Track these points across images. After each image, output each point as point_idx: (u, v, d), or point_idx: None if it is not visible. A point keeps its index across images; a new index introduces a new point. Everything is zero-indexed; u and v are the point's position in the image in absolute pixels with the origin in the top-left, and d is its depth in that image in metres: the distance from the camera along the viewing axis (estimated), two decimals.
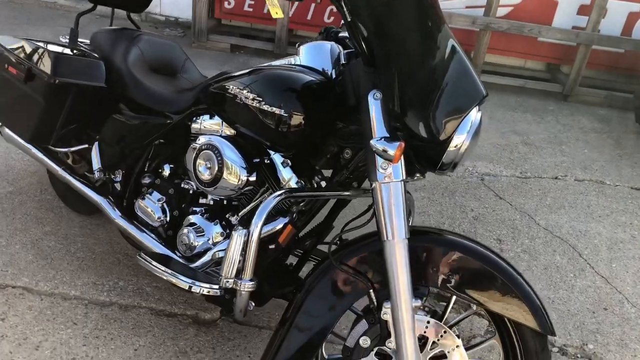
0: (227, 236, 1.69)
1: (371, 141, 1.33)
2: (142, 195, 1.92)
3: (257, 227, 1.35)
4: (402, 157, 1.34)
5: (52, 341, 1.80)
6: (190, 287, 1.48)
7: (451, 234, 1.47)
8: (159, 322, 1.94)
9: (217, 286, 1.42)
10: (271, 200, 1.38)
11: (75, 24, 2.09)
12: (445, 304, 1.51)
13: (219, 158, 1.64)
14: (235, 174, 1.62)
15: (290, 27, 4.91)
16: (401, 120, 1.30)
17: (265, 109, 1.52)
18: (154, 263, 1.59)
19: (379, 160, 1.33)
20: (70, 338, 1.82)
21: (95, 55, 2.05)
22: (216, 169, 1.64)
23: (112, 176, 2.00)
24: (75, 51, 2.05)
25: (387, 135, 1.33)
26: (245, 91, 1.57)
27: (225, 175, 1.63)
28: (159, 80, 2.01)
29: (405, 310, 1.33)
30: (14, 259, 2.13)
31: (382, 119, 1.33)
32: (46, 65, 1.90)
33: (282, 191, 1.42)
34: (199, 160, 1.69)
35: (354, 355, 1.42)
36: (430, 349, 1.43)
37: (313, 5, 4.75)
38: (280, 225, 1.63)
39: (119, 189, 1.99)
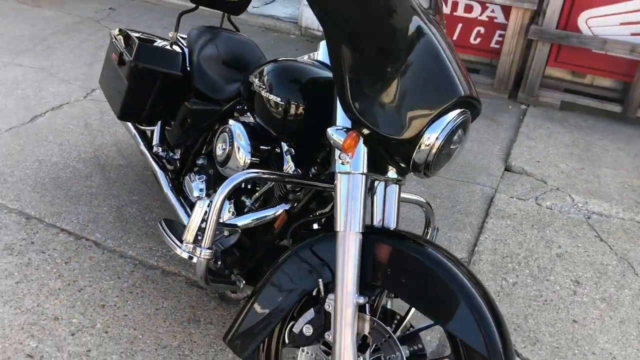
0: (236, 215, 1.80)
1: (328, 129, 1.34)
2: (191, 174, 2.12)
3: (218, 200, 1.43)
4: (363, 151, 1.33)
5: (94, 287, 2.07)
6: (174, 249, 1.61)
7: (421, 240, 1.40)
8: (188, 291, 2.11)
9: (185, 250, 1.52)
10: (236, 177, 1.46)
11: (177, 21, 2.39)
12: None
13: (231, 140, 1.76)
14: (242, 156, 1.73)
15: None
16: (352, 110, 1.29)
17: (269, 97, 1.60)
18: (163, 227, 1.75)
19: (337, 151, 1.33)
20: (109, 288, 2.07)
21: (179, 47, 2.32)
22: (228, 149, 1.77)
23: (172, 154, 2.24)
24: (163, 43, 2.34)
25: (349, 126, 1.33)
26: (257, 79, 1.67)
27: (233, 156, 1.75)
28: (226, 73, 2.21)
29: (346, 304, 1.31)
30: (98, 217, 2.47)
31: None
32: (131, 52, 2.20)
33: (250, 171, 1.49)
34: (218, 142, 1.84)
35: (296, 340, 1.43)
36: (373, 352, 1.38)
37: (460, 25, 4.67)
38: (280, 211, 1.69)
39: (176, 166, 2.23)
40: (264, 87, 1.63)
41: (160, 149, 2.26)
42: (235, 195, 1.85)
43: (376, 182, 1.49)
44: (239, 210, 1.82)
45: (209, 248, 1.46)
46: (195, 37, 2.33)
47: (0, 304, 1.93)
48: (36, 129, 3.17)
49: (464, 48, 4.76)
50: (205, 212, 1.45)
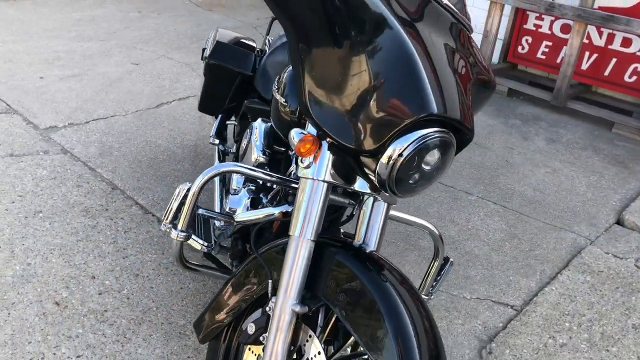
0: (247, 209, 1.85)
1: (291, 131, 1.34)
2: None
3: (196, 185, 1.49)
4: (328, 157, 1.30)
5: (137, 257, 2.26)
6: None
7: (381, 266, 1.32)
8: (216, 279, 2.20)
9: (162, 228, 1.59)
10: (215, 168, 1.50)
11: (269, 26, 2.53)
12: None
13: (249, 137, 1.82)
14: (254, 153, 1.77)
15: (583, 80, 4.45)
16: (308, 113, 1.26)
17: (278, 98, 1.63)
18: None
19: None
20: (149, 261, 2.25)
21: (255, 48, 2.44)
22: (246, 146, 1.83)
23: (229, 147, 2.37)
24: (244, 44, 2.48)
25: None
26: (276, 81, 1.71)
27: (248, 152, 1.80)
28: None
29: (283, 309, 1.30)
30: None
31: None
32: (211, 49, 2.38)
33: (228, 164, 1.52)
34: (244, 138, 1.91)
35: (241, 337, 1.43)
36: None
37: (614, 59, 4.20)
38: (278, 212, 1.71)
39: (232, 159, 2.34)
40: (277, 88, 1.66)
41: (217, 140, 2.39)
42: (255, 192, 1.90)
43: (365, 197, 1.45)
44: (254, 206, 1.87)
45: (183, 231, 1.53)
46: (274, 42, 2.43)
47: (57, 255, 2.20)
48: (157, 114, 3.53)
49: (615, 85, 4.28)
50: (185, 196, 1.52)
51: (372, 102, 1.20)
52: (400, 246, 2.52)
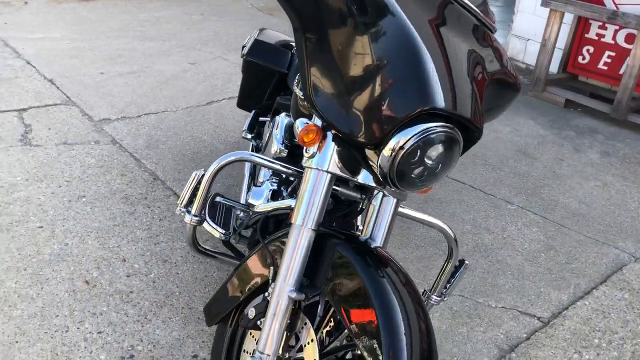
0: (267, 200, 1.88)
1: (297, 120, 1.36)
2: None
3: (209, 171, 1.54)
4: (332, 148, 1.32)
5: (168, 244, 2.34)
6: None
7: (381, 260, 1.32)
8: None
9: (194, 218, 1.64)
10: (228, 156, 1.55)
11: None
12: None
13: (271, 130, 1.86)
14: (274, 146, 1.81)
15: None
16: (311, 101, 1.28)
17: (294, 89, 1.66)
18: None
19: None
20: (179, 248, 2.32)
21: (293, 47, 2.48)
22: (268, 139, 1.87)
23: (260, 142, 2.42)
24: (284, 43, 2.53)
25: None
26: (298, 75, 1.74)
27: (269, 144, 1.84)
28: None
29: (280, 295, 1.32)
30: None
31: None
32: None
33: (240, 152, 1.56)
34: (266, 131, 1.95)
35: (242, 321, 1.46)
36: (297, 352, 1.35)
37: None
38: (293, 203, 1.73)
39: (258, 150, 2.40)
40: (297, 82, 1.69)
41: (249, 135, 2.45)
42: (277, 185, 1.93)
43: (375, 192, 1.45)
44: (274, 198, 1.90)
45: (196, 215, 1.58)
46: None
47: (93, 237, 2.32)
48: (206, 111, 3.64)
49: None
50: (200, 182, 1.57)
51: (375, 94, 1.20)
52: (429, 251, 2.49)
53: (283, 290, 1.31)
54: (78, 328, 1.86)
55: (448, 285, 1.75)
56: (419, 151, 1.19)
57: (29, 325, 1.85)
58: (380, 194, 1.44)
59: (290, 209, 1.74)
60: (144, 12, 5.90)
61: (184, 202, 1.60)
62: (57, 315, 1.90)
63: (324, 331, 1.41)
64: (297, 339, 1.38)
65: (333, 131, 1.30)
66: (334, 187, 1.52)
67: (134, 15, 5.77)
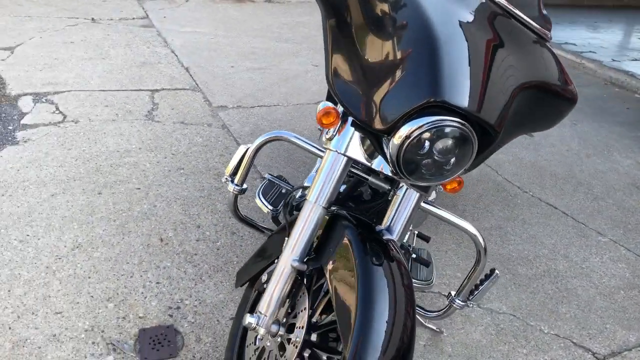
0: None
1: (320, 102, 1.46)
2: None
3: (253, 146, 1.69)
4: (351, 132, 1.39)
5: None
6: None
7: (383, 247, 1.37)
8: None
9: (236, 187, 1.79)
10: (270, 134, 1.68)
11: None
12: None
13: None
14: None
15: None
16: (330, 85, 1.36)
17: None
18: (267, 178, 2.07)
19: None
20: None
21: None
22: None
23: None
24: None
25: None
26: None
27: None
28: None
29: (285, 263, 1.42)
30: (293, 176, 2.93)
31: None
32: None
33: (284, 132, 1.68)
34: None
35: (256, 284, 1.58)
36: (292, 318, 1.44)
37: None
38: None
39: None
40: None
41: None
42: None
43: (400, 184, 1.50)
44: None
45: (238, 185, 1.73)
46: None
47: (179, 204, 2.58)
48: (312, 109, 3.82)
49: None
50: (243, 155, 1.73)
51: (389, 82, 1.26)
52: (494, 267, 2.42)
53: (288, 259, 1.41)
54: (141, 276, 2.11)
55: (476, 292, 1.72)
56: (427, 143, 1.22)
57: (103, 266, 2.13)
58: (404, 187, 1.48)
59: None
60: (287, 16, 6.28)
61: (229, 172, 1.76)
62: (127, 262, 2.17)
63: (321, 306, 1.48)
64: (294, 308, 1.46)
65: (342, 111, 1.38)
66: (365, 175, 1.58)
67: (277, 18, 6.17)
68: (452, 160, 1.24)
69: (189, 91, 3.88)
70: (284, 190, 1.97)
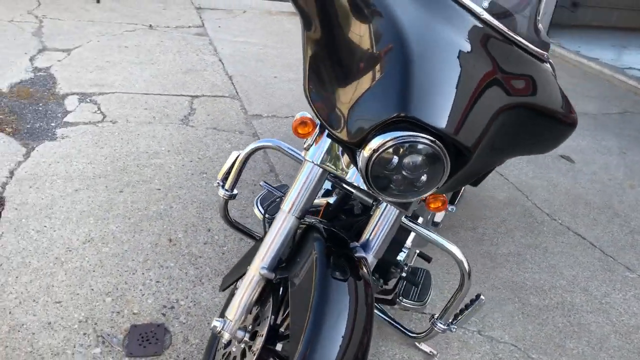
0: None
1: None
2: None
3: (243, 153, 1.70)
4: (326, 143, 1.39)
5: (253, 224, 2.56)
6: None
7: (351, 263, 1.35)
8: None
9: (226, 192, 1.80)
10: (261, 141, 1.69)
11: None
12: None
13: None
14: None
15: None
16: (306, 95, 1.36)
17: None
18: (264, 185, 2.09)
19: None
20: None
21: None
22: None
23: None
24: None
25: None
26: None
27: None
28: None
29: (254, 270, 1.43)
30: None
31: None
32: None
33: (272, 140, 1.68)
34: None
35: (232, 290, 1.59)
36: (257, 325, 1.44)
37: None
38: (324, 202, 1.82)
39: None
40: None
41: None
42: (331, 184, 2.02)
43: (381, 200, 1.49)
44: (327, 195, 2.00)
45: (228, 190, 1.75)
46: None
47: (194, 207, 2.63)
48: None
49: None
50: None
51: (360, 94, 1.25)
52: (503, 294, 2.33)
53: (257, 267, 1.41)
54: (143, 274, 2.16)
55: (460, 317, 1.67)
56: (395, 158, 1.20)
57: (109, 261, 2.20)
58: (384, 203, 1.46)
59: (320, 205, 1.84)
60: None
61: (221, 177, 1.78)
62: (133, 260, 2.23)
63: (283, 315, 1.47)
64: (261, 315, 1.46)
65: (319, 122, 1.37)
66: (350, 188, 1.57)
67: None
68: (423, 178, 1.22)
69: (227, 99, 3.96)
70: (278, 199, 1.98)
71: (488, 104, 1.26)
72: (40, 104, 3.46)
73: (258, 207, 1.97)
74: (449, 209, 2.38)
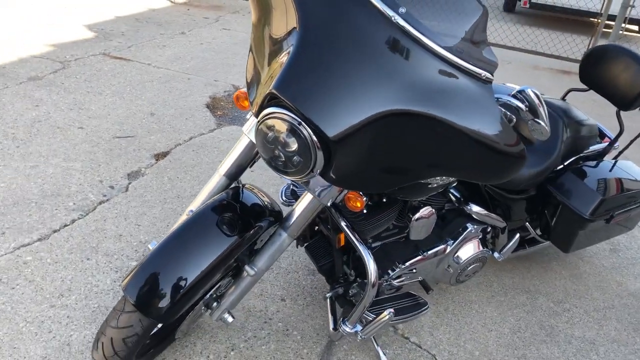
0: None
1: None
2: None
3: None
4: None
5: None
6: None
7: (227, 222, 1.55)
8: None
9: None
10: None
11: (564, 94, 2.51)
12: None
13: None
14: None
15: None
16: (245, 75, 1.56)
17: None
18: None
19: None
20: None
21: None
22: None
23: None
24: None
25: None
26: None
27: None
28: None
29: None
30: None
31: None
32: None
33: None
34: None
35: None
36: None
37: None
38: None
39: None
40: None
41: None
42: None
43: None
44: None
45: None
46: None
47: None
48: None
49: None
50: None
51: (263, 73, 1.40)
52: (509, 295, 2.04)
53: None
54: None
55: (365, 325, 1.69)
56: (270, 132, 1.29)
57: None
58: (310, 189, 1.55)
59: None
60: None
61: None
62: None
63: None
64: None
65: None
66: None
67: None
68: (296, 158, 1.29)
69: None
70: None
71: (369, 103, 1.24)
72: None
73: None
74: (495, 256, 2.23)
